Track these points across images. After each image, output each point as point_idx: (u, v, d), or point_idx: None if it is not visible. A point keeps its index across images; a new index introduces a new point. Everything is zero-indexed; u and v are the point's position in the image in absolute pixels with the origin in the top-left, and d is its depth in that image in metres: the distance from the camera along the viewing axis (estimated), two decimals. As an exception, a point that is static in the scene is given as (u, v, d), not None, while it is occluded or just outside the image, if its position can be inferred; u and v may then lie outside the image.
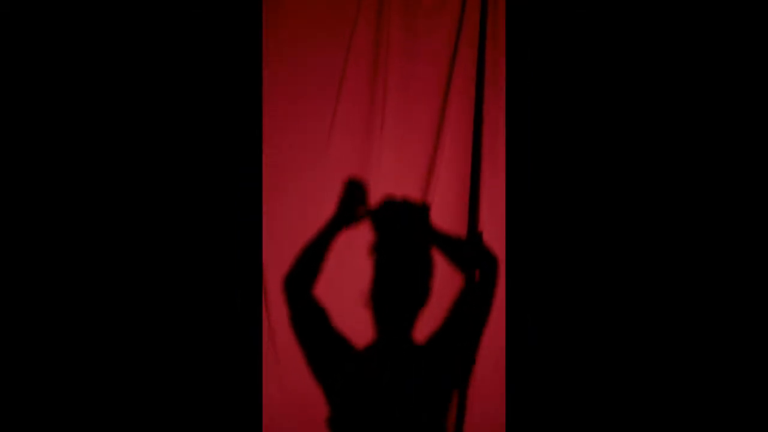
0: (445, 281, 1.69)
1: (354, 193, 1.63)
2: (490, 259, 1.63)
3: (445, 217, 1.74)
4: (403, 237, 1.70)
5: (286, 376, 1.71)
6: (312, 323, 1.56)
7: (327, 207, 1.74)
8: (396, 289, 1.64)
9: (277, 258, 1.73)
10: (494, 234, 1.74)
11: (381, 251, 1.67)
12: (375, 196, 1.75)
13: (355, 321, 1.67)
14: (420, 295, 1.63)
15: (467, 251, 1.60)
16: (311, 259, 1.57)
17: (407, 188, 1.74)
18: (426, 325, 1.66)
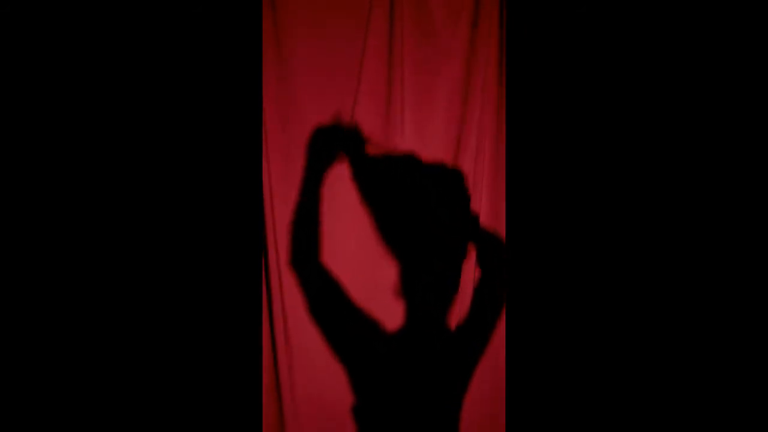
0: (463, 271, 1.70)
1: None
2: (494, 243, 1.63)
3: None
4: (421, 231, 1.70)
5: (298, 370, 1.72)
6: (326, 301, 1.57)
7: (328, 208, 1.74)
8: (414, 279, 1.64)
9: (278, 262, 1.73)
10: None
11: (399, 244, 1.68)
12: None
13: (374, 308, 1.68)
14: (439, 285, 1.63)
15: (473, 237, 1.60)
16: (308, 230, 1.58)
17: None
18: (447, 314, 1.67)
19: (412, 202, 1.71)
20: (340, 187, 1.73)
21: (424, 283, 1.63)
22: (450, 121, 1.73)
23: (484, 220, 1.74)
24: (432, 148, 1.73)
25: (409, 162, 1.73)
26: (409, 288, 1.64)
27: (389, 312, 1.69)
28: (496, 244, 1.68)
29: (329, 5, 1.73)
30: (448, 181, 1.72)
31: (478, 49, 1.71)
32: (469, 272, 1.70)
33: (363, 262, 1.71)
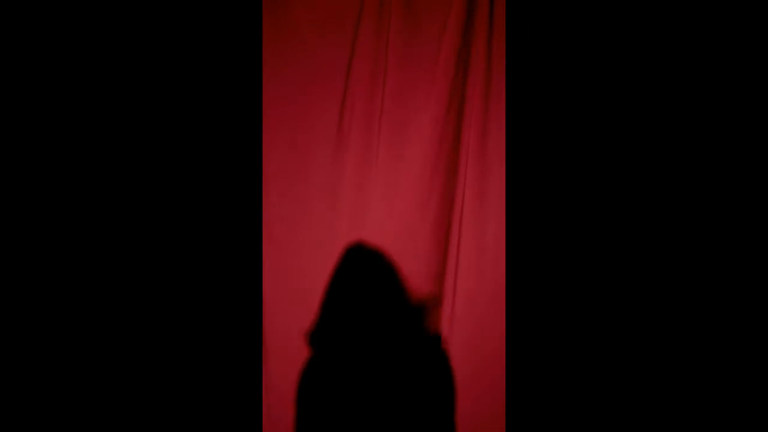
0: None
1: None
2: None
3: (444, 219, 1.75)
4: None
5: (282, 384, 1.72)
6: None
7: (327, 210, 1.75)
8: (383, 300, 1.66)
9: (277, 259, 1.74)
10: (494, 234, 1.74)
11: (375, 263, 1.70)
12: (377, 201, 1.75)
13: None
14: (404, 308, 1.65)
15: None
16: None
17: (408, 193, 1.74)
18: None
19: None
20: (324, 201, 1.75)
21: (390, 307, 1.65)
22: (436, 122, 1.74)
23: (472, 229, 1.75)
24: (417, 151, 1.74)
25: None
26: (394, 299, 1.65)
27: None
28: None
29: (328, 4, 1.74)
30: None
31: (471, 51, 1.73)
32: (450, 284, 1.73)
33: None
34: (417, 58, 1.75)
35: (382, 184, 1.76)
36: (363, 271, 1.72)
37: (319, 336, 1.72)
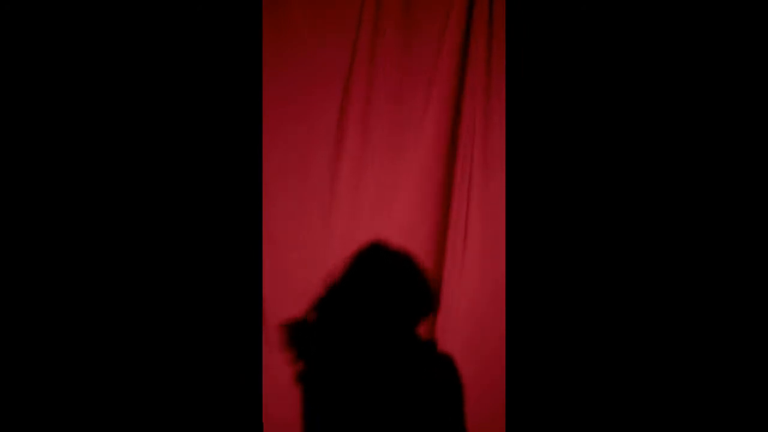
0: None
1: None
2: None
3: (443, 219, 1.75)
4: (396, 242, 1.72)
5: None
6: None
7: (327, 210, 1.75)
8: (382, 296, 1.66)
9: (276, 258, 1.74)
10: (494, 234, 1.74)
11: (372, 257, 1.70)
12: (376, 201, 1.76)
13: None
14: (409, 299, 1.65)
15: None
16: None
17: (407, 193, 1.75)
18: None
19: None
20: (323, 200, 1.76)
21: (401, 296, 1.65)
22: (440, 124, 1.75)
23: (472, 229, 1.75)
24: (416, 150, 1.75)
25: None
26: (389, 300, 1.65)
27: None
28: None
29: (328, 5, 1.74)
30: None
31: (471, 51, 1.74)
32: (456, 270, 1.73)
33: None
34: (417, 59, 1.75)
35: (381, 184, 1.76)
36: (362, 271, 1.72)
37: (318, 335, 1.71)
